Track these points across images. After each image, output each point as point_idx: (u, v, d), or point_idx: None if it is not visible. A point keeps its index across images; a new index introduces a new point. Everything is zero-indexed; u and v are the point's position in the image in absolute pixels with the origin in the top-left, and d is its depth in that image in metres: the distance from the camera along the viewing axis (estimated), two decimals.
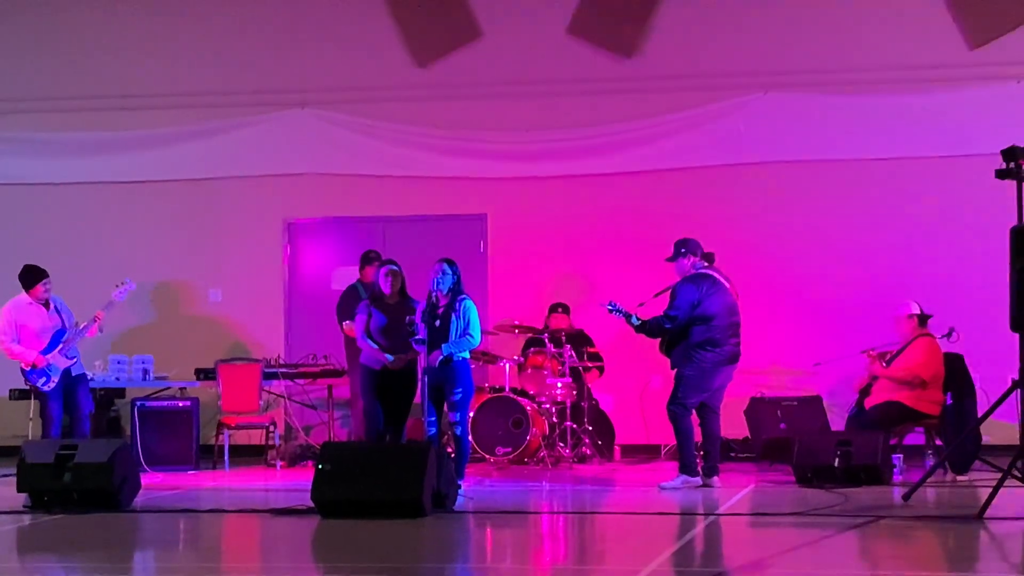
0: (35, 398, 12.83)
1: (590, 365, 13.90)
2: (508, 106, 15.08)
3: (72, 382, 12.73)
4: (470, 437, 12.42)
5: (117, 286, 13.02)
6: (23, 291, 12.73)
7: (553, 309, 14.11)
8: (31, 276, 12.71)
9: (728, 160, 14.78)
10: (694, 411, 11.53)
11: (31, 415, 13.07)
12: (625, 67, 14.97)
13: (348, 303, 13.33)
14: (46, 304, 12.73)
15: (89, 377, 13.45)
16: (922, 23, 14.57)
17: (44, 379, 12.56)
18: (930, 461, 12.42)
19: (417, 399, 11.54)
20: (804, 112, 14.66)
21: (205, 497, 11.43)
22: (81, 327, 12.76)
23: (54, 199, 15.55)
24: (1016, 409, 11.07)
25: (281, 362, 14.34)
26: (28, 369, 12.59)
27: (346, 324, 13.07)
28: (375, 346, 11.52)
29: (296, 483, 11.61)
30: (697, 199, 14.74)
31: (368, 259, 13.61)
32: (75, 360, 12.79)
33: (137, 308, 14.90)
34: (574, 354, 13.69)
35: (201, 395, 14.09)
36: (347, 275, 14.33)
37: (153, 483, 11.90)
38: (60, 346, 12.61)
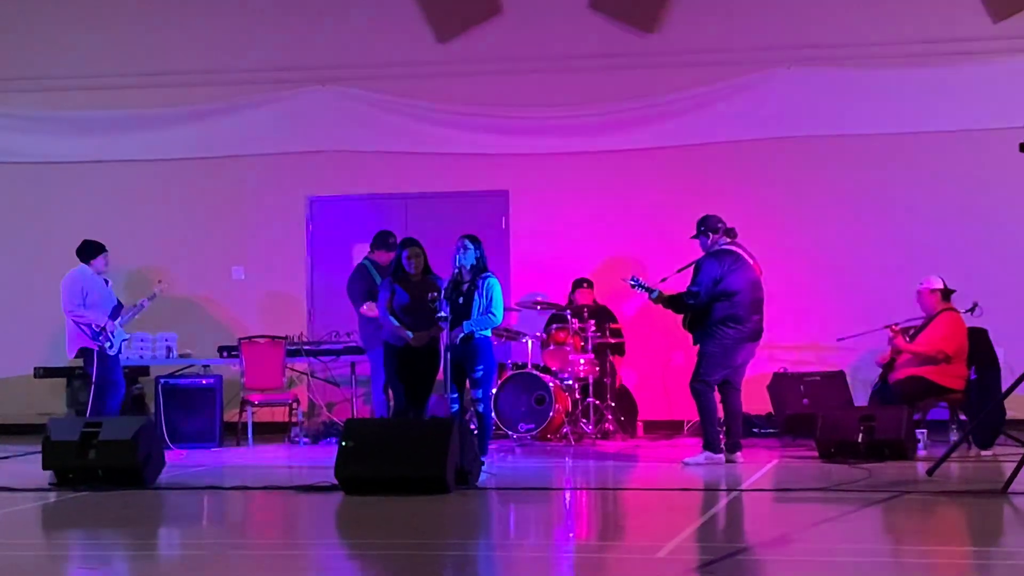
0: (96, 364, 12.74)
1: (612, 342, 13.88)
2: (530, 82, 15.05)
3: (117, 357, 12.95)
4: (493, 414, 12.43)
5: (159, 281, 13.43)
6: (80, 263, 12.95)
7: (578, 284, 14.08)
8: (92, 249, 12.99)
9: (751, 135, 14.73)
10: (716, 387, 11.52)
11: (94, 377, 13.06)
12: (647, 42, 14.92)
13: (359, 283, 13.28)
14: (105, 281, 12.93)
15: None
16: None
17: (109, 344, 12.69)
18: (954, 436, 12.40)
19: (440, 376, 11.54)
20: (827, 87, 14.59)
21: (229, 474, 11.47)
22: (134, 307, 13.06)
23: (76, 178, 15.58)
24: None
25: (304, 339, 14.36)
26: (97, 331, 12.68)
27: (366, 306, 13.01)
28: (397, 323, 11.52)
29: (319, 460, 11.64)
30: (719, 174, 14.69)
31: (386, 243, 13.38)
32: (128, 338, 13.12)
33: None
34: (597, 331, 13.68)
35: (224, 372, 14.13)
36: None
37: (177, 460, 11.95)
38: (119, 319, 12.81)
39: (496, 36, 15.12)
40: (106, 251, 12.98)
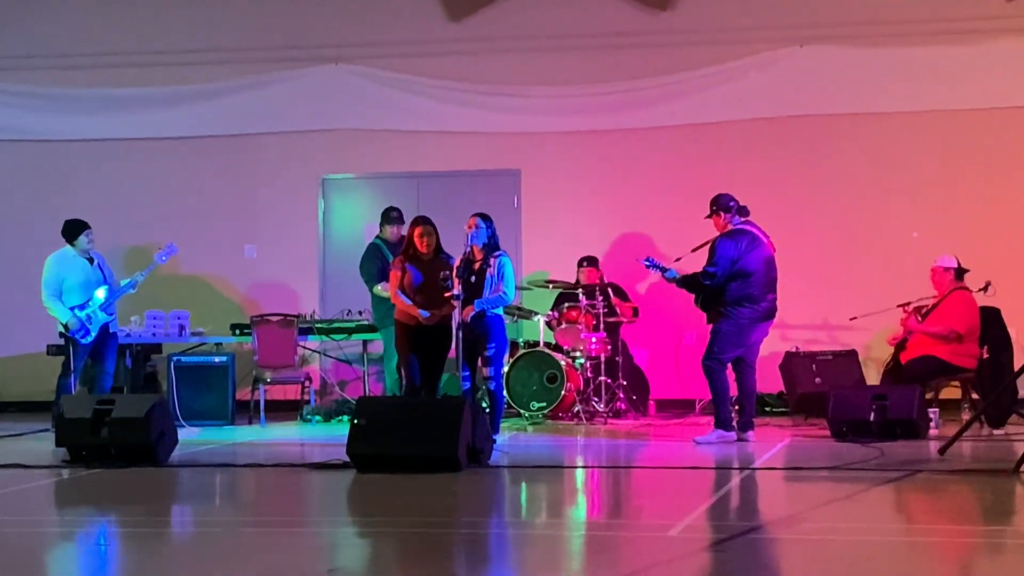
0: (66, 347, 12.82)
1: (622, 320, 13.87)
2: (541, 61, 15.04)
3: (105, 338, 12.84)
4: (504, 392, 12.43)
5: (159, 248, 13.13)
6: (66, 245, 12.82)
7: (582, 264, 14.04)
8: (73, 228, 12.85)
9: (764, 114, 14.72)
10: (730, 366, 11.52)
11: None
12: (660, 21, 14.90)
13: (372, 262, 13.27)
14: (90, 260, 12.83)
15: (125, 333, 13.65)
16: None
17: (83, 332, 12.66)
18: (966, 415, 12.39)
19: (452, 355, 11.54)
20: (839, 65, 14.57)
21: (241, 452, 11.49)
22: (122, 285, 12.89)
23: (89, 156, 15.62)
24: None
25: (316, 318, 14.38)
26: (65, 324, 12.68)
27: (382, 285, 12.98)
28: (410, 302, 11.52)
29: (331, 438, 11.66)
30: (732, 153, 14.68)
31: (391, 219, 13.39)
32: (113, 318, 12.92)
33: (173, 264, 14.98)
34: (606, 308, 13.66)
35: (237, 351, 14.15)
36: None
37: (189, 438, 11.97)
38: (104, 302, 12.75)
39: (508, 15, 15.11)
40: (88, 228, 12.80)
